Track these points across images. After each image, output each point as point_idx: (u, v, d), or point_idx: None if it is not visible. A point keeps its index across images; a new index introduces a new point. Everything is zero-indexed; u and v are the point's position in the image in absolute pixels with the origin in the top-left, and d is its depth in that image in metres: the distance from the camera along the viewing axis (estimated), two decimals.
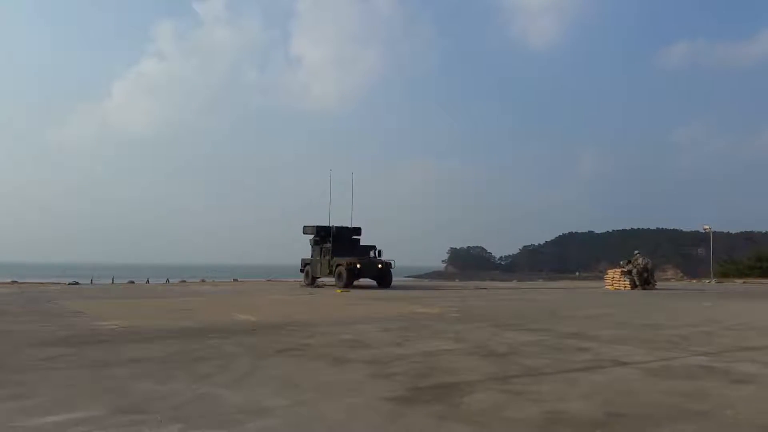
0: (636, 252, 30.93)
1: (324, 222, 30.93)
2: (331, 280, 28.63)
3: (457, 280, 44.78)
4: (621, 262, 31.05)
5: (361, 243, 30.44)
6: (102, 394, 5.32)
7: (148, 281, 35.86)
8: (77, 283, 30.42)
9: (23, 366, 6.67)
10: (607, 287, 30.41)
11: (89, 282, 33.93)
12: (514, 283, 39.34)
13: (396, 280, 29.94)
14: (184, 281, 35.85)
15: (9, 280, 32.56)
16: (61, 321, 11.70)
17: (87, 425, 4.24)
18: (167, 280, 36.91)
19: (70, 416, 4.47)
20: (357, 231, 31.11)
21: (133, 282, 34.58)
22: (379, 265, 28.25)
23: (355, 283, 27.44)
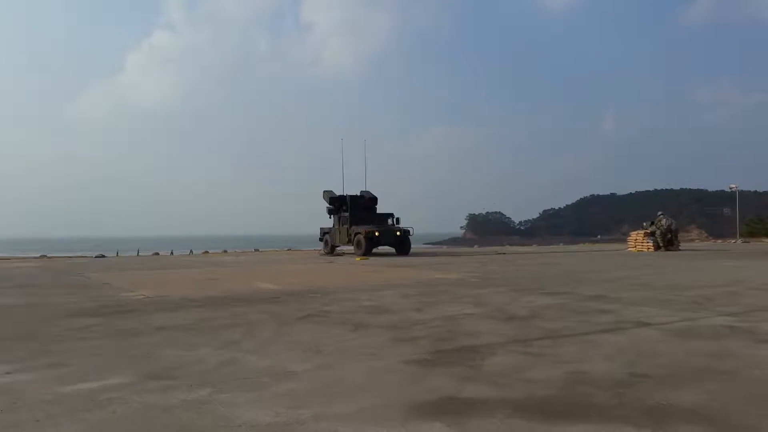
0: (659, 213, 30.61)
1: (339, 190, 31.02)
2: (350, 248, 28.79)
3: (475, 246, 44.78)
4: (644, 224, 30.75)
5: (379, 211, 30.49)
6: (132, 361, 5.46)
7: (172, 252, 36.41)
8: (103, 256, 30.96)
9: (56, 336, 6.86)
10: (629, 249, 30.22)
11: (115, 254, 34.51)
12: (533, 248, 39.26)
13: (414, 247, 30.01)
14: (207, 252, 36.31)
15: (38, 255, 33.25)
16: (89, 293, 11.95)
17: (120, 391, 4.36)
18: (190, 251, 37.43)
19: (103, 383, 4.61)
20: (374, 199, 31.14)
21: (157, 254, 35.13)
22: (398, 233, 28.32)
23: (374, 250, 27.57)
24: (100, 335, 6.88)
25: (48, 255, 33.59)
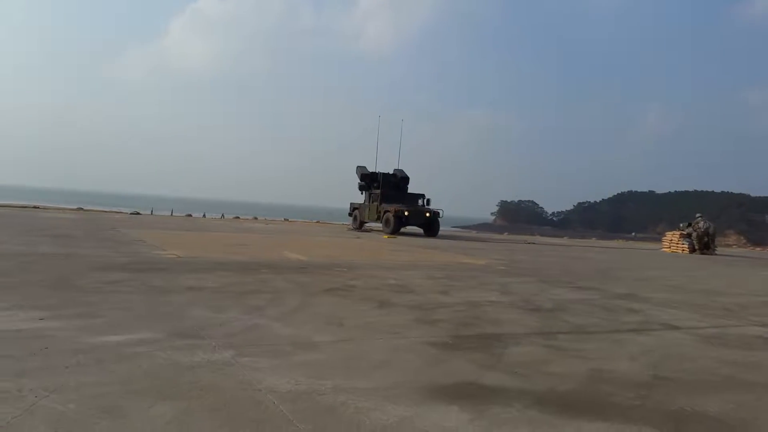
0: (698, 215, 29.90)
1: (373, 167, 31.00)
2: (379, 225, 28.85)
3: (505, 234, 44.43)
4: (681, 225, 30.10)
5: (410, 191, 30.43)
6: (160, 318, 5.58)
7: (204, 215, 36.96)
8: (138, 213, 31.60)
9: (88, 288, 7.04)
10: (663, 249, 29.66)
11: (149, 212, 35.19)
12: (565, 240, 38.80)
13: (443, 229, 29.92)
14: (238, 217, 36.77)
15: (75, 207, 34.10)
16: (123, 248, 12.23)
17: (146, 345, 4.47)
18: (222, 215, 37.94)
19: (130, 336, 4.72)
20: (406, 178, 31.07)
21: (190, 215, 35.70)
22: (427, 214, 28.25)
23: (402, 230, 27.57)
24: (130, 290, 7.04)
25: (84, 208, 34.41)
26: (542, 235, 47.20)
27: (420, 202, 29.45)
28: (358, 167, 31.29)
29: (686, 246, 28.62)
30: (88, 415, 3.06)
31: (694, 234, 28.88)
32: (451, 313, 6.95)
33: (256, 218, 37.60)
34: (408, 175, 31.25)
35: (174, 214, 36.55)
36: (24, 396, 3.27)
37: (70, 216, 23.78)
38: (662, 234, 33.52)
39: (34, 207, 29.83)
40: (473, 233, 40.26)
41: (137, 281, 7.75)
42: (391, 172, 31.07)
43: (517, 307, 7.74)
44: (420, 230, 28.49)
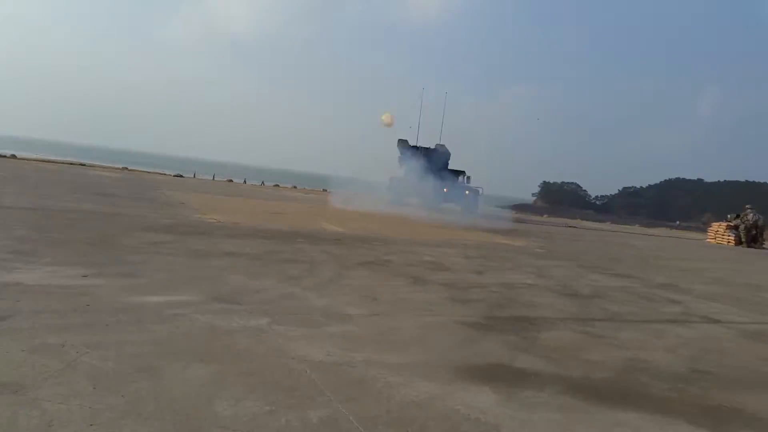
0: (747, 207, 28.95)
1: (414, 141, 30.75)
2: (417, 200, 28.71)
3: (545, 216, 43.84)
4: (728, 216, 29.23)
5: (450, 167, 30.14)
6: (200, 281, 5.69)
7: (245, 181, 37.44)
8: (181, 176, 32.20)
9: (131, 247, 7.21)
10: (708, 240, 28.89)
11: (192, 176, 35.82)
12: (607, 225, 38.09)
13: (482, 207, 29.64)
14: (278, 185, 37.12)
15: (120, 166, 34.94)
16: (165, 210, 12.49)
17: (185, 308, 4.56)
18: (262, 182, 38.37)
19: (170, 298, 4.83)
20: (447, 154, 30.75)
21: (231, 180, 36.22)
22: (467, 191, 28.01)
23: (441, 206, 27.40)
24: (172, 252, 7.18)
25: (129, 168, 35.21)
26: (584, 219, 46.40)
27: (460, 179, 29.19)
28: (399, 140, 31.07)
29: (732, 238, 27.81)
30: (125, 373, 3.15)
31: (742, 226, 28.01)
32: (486, 293, 6.90)
33: (295, 187, 37.92)
34: (449, 150, 30.95)
35: (216, 178, 37.13)
36: (66, 351, 3.38)
37: (115, 175, 24.39)
38: (708, 224, 32.63)
39: (81, 164, 30.66)
40: (513, 213, 39.84)
41: (179, 243, 7.91)
42: (433, 147, 30.79)
43: (554, 291, 7.64)
44: (459, 208, 28.29)
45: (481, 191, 28.53)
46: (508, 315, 5.84)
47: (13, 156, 29.22)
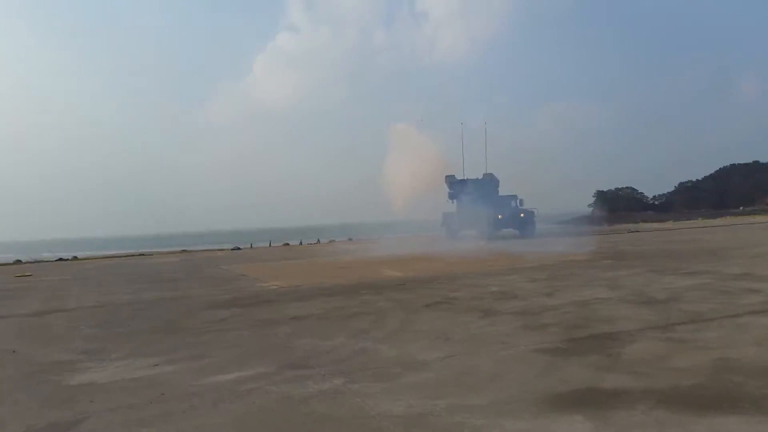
0: None
1: (460, 175, 30.75)
2: (473, 232, 28.50)
3: (605, 225, 42.71)
4: None
5: (501, 193, 29.94)
6: (269, 351, 5.74)
7: (300, 242, 37.99)
8: (239, 248, 32.93)
9: (197, 328, 7.36)
10: None
11: (249, 246, 36.58)
12: (669, 224, 36.81)
13: (539, 227, 29.15)
14: (333, 241, 37.51)
15: (179, 249, 36.00)
16: (226, 285, 12.75)
17: (258, 381, 4.60)
18: (317, 240, 38.85)
19: (242, 374, 4.87)
20: (496, 181, 30.60)
21: (287, 244, 36.82)
22: (521, 214, 27.69)
23: (498, 233, 27.12)
24: (237, 326, 7.29)
25: (188, 249, 36.23)
26: (645, 221, 44.96)
27: (513, 203, 28.94)
28: (446, 177, 31.12)
29: None
30: None
31: None
32: (559, 315, 6.72)
33: (350, 239, 38.22)
34: (498, 177, 30.79)
35: (272, 244, 37.79)
36: None
37: (173, 259, 25.11)
38: None
39: (140, 255, 31.75)
40: (572, 227, 39.01)
41: (243, 316, 8.03)
42: (480, 177, 30.70)
43: (629, 302, 7.38)
44: (516, 232, 27.93)
45: (536, 211, 28.15)
46: (586, 334, 5.65)
47: (75, 258, 30.52)
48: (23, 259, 30.62)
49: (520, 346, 5.33)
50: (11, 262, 28.64)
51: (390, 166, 29.21)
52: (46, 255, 33.98)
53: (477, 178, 30.42)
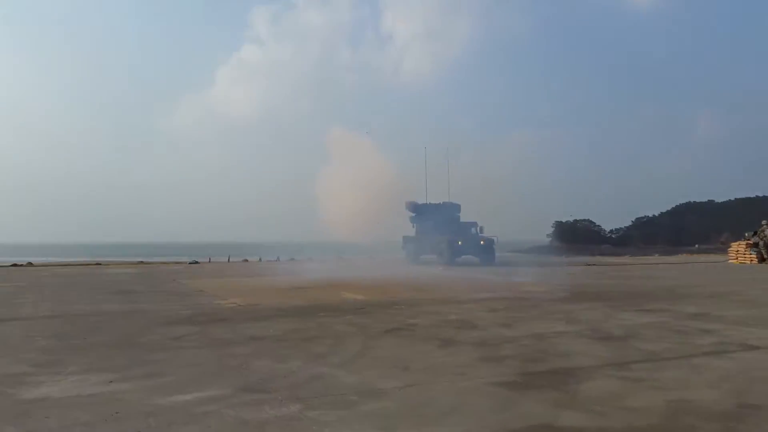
0: (763, 222, 28.63)
1: (422, 199, 31.03)
2: (433, 257, 28.67)
3: (564, 256, 43.47)
4: (746, 234, 28.89)
5: (462, 219, 30.24)
6: (226, 372, 5.62)
7: (260, 259, 37.53)
8: (196, 262, 32.37)
9: (154, 345, 7.17)
10: (731, 261, 28.42)
11: (207, 260, 35.98)
12: (626, 259, 37.64)
13: (498, 255, 29.46)
14: (293, 259, 37.19)
15: (137, 261, 35.17)
16: (184, 300, 12.49)
17: (215, 404, 4.49)
18: (277, 257, 38.45)
19: (198, 395, 4.75)
20: (456, 207, 30.94)
21: (246, 260, 36.33)
22: (481, 242, 27.96)
23: (457, 260, 27.31)
24: (195, 345, 7.14)
25: (144, 261, 35.44)
26: (602, 254, 45.93)
27: (473, 230, 29.21)
28: (406, 203, 31.31)
29: (754, 256, 27.38)
30: None
31: (762, 243, 27.62)
32: (518, 348, 6.77)
33: (311, 258, 37.95)
34: (458, 203, 31.14)
35: (231, 260, 37.26)
36: None
37: (131, 270, 24.53)
38: (727, 245, 32.22)
39: (96, 264, 30.92)
40: (531, 257, 39.55)
41: (200, 335, 7.87)
42: (441, 202, 30.99)
43: (586, 337, 7.48)
44: (476, 259, 28.17)
45: (496, 239, 28.46)
46: (543, 369, 5.70)
47: (30, 264, 29.57)
48: None
49: (478, 378, 5.33)
50: None
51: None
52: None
53: (438, 203, 30.71)
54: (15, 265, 28.32)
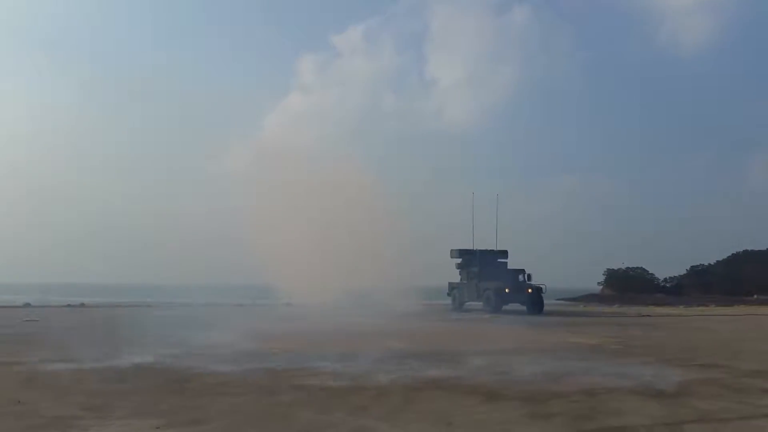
0: None
1: (469, 246, 30.82)
2: (479, 304, 28.25)
3: (616, 306, 42.20)
4: None
5: (509, 266, 29.80)
6: (268, 421, 5.62)
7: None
8: (241, 305, 32.64)
9: (197, 390, 7.23)
10: None
11: (251, 303, 36.20)
12: (681, 309, 36.28)
13: (547, 303, 28.72)
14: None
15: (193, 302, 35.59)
16: (235, 346, 12.51)
17: None
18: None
19: None
20: (504, 254, 30.57)
21: (290, 304, 36.44)
22: (529, 290, 27.41)
23: (504, 308, 26.81)
24: (238, 391, 7.16)
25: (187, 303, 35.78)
26: (656, 304, 44.37)
27: (520, 277, 28.68)
28: (452, 250, 31.11)
29: None
30: None
31: None
32: (567, 404, 6.54)
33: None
34: (506, 249, 30.79)
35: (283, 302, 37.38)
36: None
37: (176, 313, 24.81)
38: None
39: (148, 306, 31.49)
40: (581, 307, 38.55)
41: (244, 381, 7.88)
42: (488, 249, 30.70)
43: (638, 393, 7.18)
44: (523, 307, 27.59)
45: (544, 288, 27.86)
46: (593, 427, 5.50)
47: (83, 305, 30.36)
48: (32, 302, 30.51)
49: None
50: (20, 304, 28.64)
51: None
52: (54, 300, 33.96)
53: (485, 250, 30.41)
54: (69, 305, 29.12)
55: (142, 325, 17.43)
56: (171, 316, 21.38)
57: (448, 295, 31.31)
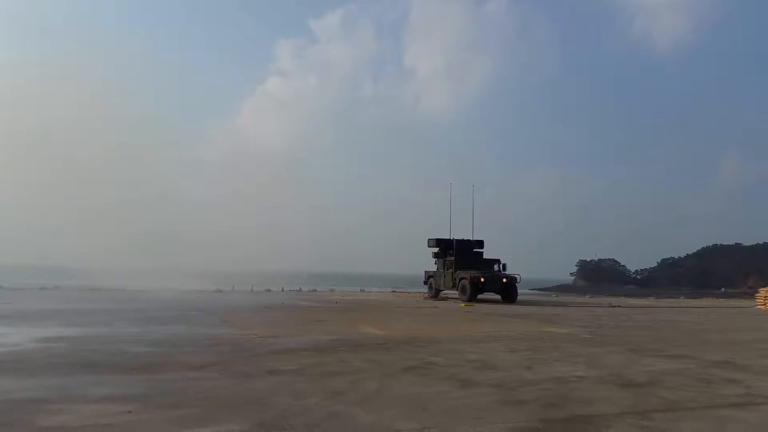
0: None
1: (445, 235, 31.01)
2: (455, 293, 28.49)
3: (588, 296, 42.88)
4: None
5: (485, 256, 30.07)
6: (243, 407, 5.64)
7: (283, 289, 37.63)
8: (220, 291, 32.52)
9: (172, 375, 7.23)
10: (758, 307, 27.73)
11: (231, 288, 36.12)
12: (650, 300, 37.00)
13: (521, 293, 29.12)
14: (315, 290, 37.25)
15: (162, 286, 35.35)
16: (206, 330, 12.52)
17: None
18: (299, 288, 38.53)
19: (216, 429, 4.78)
20: (480, 244, 30.81)
21: (269, 290, 36.43)
22: (504, 279, 27.71)
23: (479, 297, 27.08)
24: (214, 376, 7.17)
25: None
26: (626, 295, 45.27)
27: (496, 267, 28.97)
28: (429, 240, 31.30)
29: None
30: None
31: None
32: (537, 391, 6.68)
33: (333, 290, 37.99)
34: (482, 239, 31.03)
35: (254, 289, 37.36)
36: None
37: (164, 296, 24.63)
38: (754, 289, 31.49)
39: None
40: (553, 296, 39.07)
41: (220, 366, 7.90)
42: (464, 239, 30.90)
43: (607, 383, 7.36)
44: (498, 296, 27.91)
45: (518, 278, 28.18)
46: (563, 416, 5.62)
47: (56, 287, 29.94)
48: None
49: (497, 422, 5.28)
50: None
51: None
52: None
53: (461, 239, 30.61)
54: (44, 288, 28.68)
55: None
56: None
57: (425, 283, 31.52)
